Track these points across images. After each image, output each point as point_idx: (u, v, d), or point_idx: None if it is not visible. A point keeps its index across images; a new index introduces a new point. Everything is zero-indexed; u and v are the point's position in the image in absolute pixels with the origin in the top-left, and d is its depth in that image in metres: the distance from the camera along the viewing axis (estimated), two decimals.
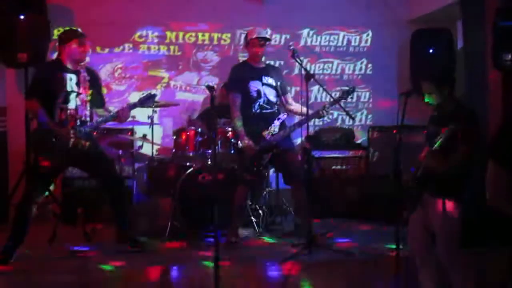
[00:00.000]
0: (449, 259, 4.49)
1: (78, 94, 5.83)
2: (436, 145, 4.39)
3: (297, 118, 6.60)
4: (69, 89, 5.76)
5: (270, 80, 6.48)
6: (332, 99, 6.27)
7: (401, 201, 4.79)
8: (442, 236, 4.49)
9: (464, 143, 4.36)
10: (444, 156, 4.43)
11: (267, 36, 6.54)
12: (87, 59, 6.13)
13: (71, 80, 5.80)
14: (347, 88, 6.37)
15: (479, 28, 7.19)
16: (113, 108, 6.22)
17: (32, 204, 5.76)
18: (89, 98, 5.92)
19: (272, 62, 7.45)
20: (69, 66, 5.85)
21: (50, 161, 5.64)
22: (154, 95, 6.16)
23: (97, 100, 6.08)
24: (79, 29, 6.05)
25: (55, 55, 6.10)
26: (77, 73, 5.86)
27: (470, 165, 4.55)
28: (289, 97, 6.70)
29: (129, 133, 7.63)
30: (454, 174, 4.46)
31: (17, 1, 7.21)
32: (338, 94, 6.38)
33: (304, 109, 6.20)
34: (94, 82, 6.05)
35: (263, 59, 6.57)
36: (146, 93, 6.16)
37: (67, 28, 6.23)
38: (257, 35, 6.41)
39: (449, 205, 4.46)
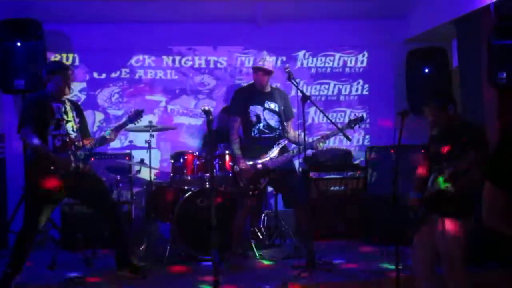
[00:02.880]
0: (455, 278, 4.48)
1: (68, 121, 5.85)
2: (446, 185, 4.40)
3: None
4: (58, 117, 5.78)
5: (273, 105, 6.46)
6: (337, 128, 6.26)
7: (400, 222, 4.79)
8: (448, 255, 4.48)
9: (477, 163, 4.34)
10: (457, 179, 4.42)
11: (263, 67, 6.35)
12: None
13: (58, 109, 5.82)
14: (354, 117, 6.37)
15: (474, 46, 7.24)
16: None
17: (33, 233, 5.75)
18: (77, 125, 5.96)
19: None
20: (54, 96, 5.87)
21: (51, 186, 5.64)
22: (142, 111, 6.20)
23: (84, 130, 6.11)
24: (66, 63, 6.12)
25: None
26: (62, 102, 5.90)
27: (481, 185, 4.55)
28: (290, 124, 6.64)
29: (127, 158, 7.63)
30: (465, 195, 4.45)
31: (14, 27, 7.24)
32: (344, 124, 6.37)
33: (300, 139, 6.17)
34: (79, 113, 6.09)
35: (268, 83, 6.53)
36: (133, 110, 6.19)
37: (55, 60, 6.27)
38: (254, 64, 6.45)
39: (456, 224, 4.46)
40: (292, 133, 6.55)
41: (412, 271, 4.93)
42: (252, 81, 6.60)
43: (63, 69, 5.95)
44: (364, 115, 6.91)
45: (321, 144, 6.34)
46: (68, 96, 6.09)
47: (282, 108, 6.49)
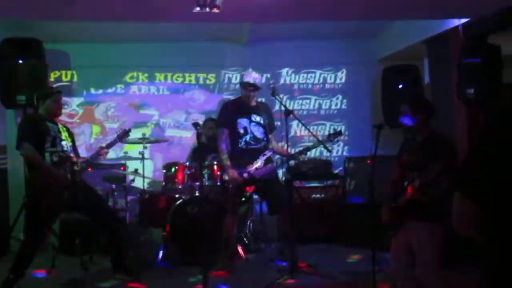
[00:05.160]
0: (429, 280, 4.47)
1: (62, 140, 5.86)
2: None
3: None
4: (53, 134, 5.80)
5: (258, 118, 6.48)
6: (317, 141, 6.30)
7: (376, 227, 4.79)
8: (422, 258, 4.47)
9: (445, 174, 4.33)
10: (426, 188, 4.42)
11: (254, 83, 6.39)
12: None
13: (53, 128, 5.85)
14: (333, 131, 6.42)
15: (444, 65, 7.29)
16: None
17: (36, 244, 5.71)
18: (70, 144, 5.98)
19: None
20: (48, 118, 5.88)
21: (54, 204, 5.64)
22: (129, 130, 6.31)
23: (75, 151, 6.11)
24: (55, 87, 6.17)
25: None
26: (55, 123, 5.94)
27: (451, 192, 4.54)
28: (272, 136, 6.66)
29: (122, 168, 7.62)
30: (435, 201, 4.45)
31: (17, 46, 7.24)
32: (324, 137, 6.41)
33: (283, 150, 6.18)
34: (70, 135, 6.11)
35: (254, 98, 6.54)
36: (121, 129, 6.25)
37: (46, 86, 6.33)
38: (245, 79, 6.44)
39: (429, 229, 4.46)
40: (275, 144, 6.57)
41: (391, 273, 4.92)
42: (238, 96, 6.62)
43: (53, 94, 5.98)
44: (342, 129, 6.95)
45: (302, 155, 6.37)
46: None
47: (267, 121, 6.51)
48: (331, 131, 6.46)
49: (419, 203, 4.44)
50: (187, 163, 7.17)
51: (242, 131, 6.43)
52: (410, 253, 4.60)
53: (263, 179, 6.34)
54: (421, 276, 4.49)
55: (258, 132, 6.48)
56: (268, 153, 6.43)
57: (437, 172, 4.26)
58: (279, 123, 6.47)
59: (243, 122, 6.45)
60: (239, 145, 6.42)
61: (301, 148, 6.59)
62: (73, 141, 6.15)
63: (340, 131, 6.44)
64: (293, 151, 6.59)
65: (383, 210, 4.70)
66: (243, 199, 6.36)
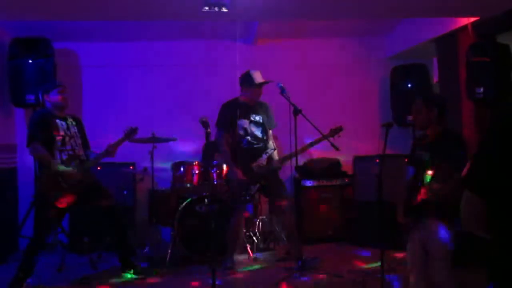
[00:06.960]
0: (440, 277, 4.48)
1: (71, 137, 5.91)
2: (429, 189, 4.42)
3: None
4: (62, 132, 5.84)
5: (258, 118, 6.49)
6: (322, 136, 6.31)
7: (385, 226, 4.81)
8: (435, 256, 4.48)
9: (457, 170, 4.34)
10: (440, 186, 4.42)
11: (265, 80, 6.49)
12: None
13: (62, 125, 5.88)
14: (335, 127, 6.42)
15: (453, 63, 7.28)
16: None
17: (43, 241, 5.76)
18: (80, 141, 6.02)
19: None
20: (56, 113, 5.93)
21: (62, 202, 5.68)
22: (136, 128, 6.27)
23: (84, 143, 6.15)
24: (59, 80, 6.27)
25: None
26: (65, 119, 5.98)
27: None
28: (270, 134, 6.66)
29: (131, 167, 7.64)
30: (449, 200, 4.45)
31: (25, 45, 7.28)
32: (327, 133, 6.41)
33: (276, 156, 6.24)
34: (80, 127, 6.15)
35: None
36: (129, 128, 6.24)
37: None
38: (259, 80, 6.44)
39: (443, 227, 4.46)
40: (271, 142, 6.58)
41: (407, 266, 4.93)
42: (236, 96, 6.60)
43: (56, 87, 6.02)
44: (351, 127, 6.90)
45: (304, 149, 6.41)
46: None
47: (266, 119, 6.53)
48: (332, 128, 6.44)
49: (432, 202, 4.45)
50: (196, 162, 7.18)
51: (242, 132, 6.43)
52: (424, 250, 4.60)
53: (267, 177, 6.36)
54: (433, 273, 4.51)
55: (258, 132, 6.49)
56: (270, 152, 6.46)
57: (449, 171, 4.26)
58: (285, 122, 6.45)
59: (243, 123, 6.44)
60: (241, 145, 6.42)
61: (305, 144, 6.56)
62: (82, 133, 6.19)
63: (341, 126, 6.44)
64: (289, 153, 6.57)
65: (398, 211, 4.71)
66: (248, 197, 6.38)
